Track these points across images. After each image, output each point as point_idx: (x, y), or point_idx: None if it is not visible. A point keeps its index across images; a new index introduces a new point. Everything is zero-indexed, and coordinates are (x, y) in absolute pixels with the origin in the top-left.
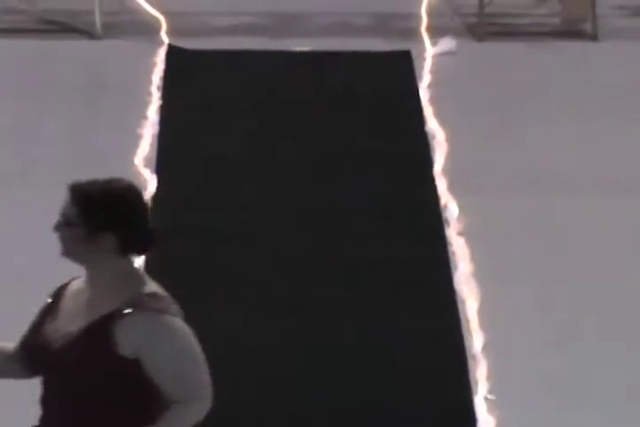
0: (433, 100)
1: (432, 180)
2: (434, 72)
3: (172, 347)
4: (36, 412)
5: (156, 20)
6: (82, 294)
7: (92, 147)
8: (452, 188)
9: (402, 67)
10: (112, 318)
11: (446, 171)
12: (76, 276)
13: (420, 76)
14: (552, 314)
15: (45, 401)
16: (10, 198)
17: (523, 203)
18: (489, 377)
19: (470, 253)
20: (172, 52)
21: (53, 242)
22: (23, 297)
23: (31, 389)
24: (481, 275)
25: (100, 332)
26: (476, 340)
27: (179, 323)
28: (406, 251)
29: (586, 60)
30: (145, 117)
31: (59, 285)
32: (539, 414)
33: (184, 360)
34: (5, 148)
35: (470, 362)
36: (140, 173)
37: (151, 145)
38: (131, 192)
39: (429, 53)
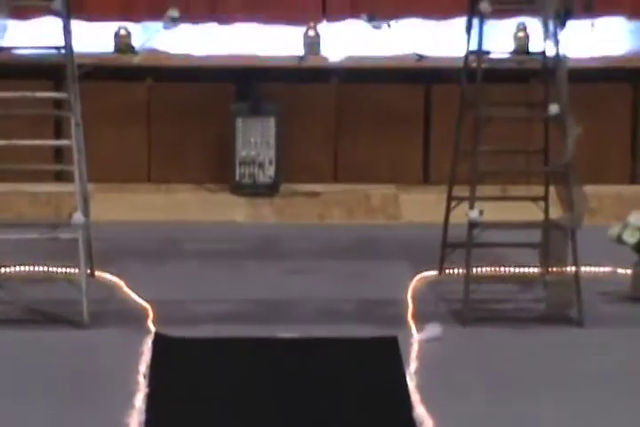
0: (420, 386)
1: None
2: (420, 358)
3: None
4: None
5: (143, 309)
6: None
7: None
8: None
9: (388, 353)
10: None
11: None
12: None
13: (407, 362)
14: None
15: None
16: None
17: None
18: None
19: None
20: (159, 341)
21: None
22: None
23: None
24: None
25: None
26: None
27: None
28: None
29: (572, 345)
30: (132, 406)
31: None
32: None
33: None
34: None
35: None
36: None
37: None
38: None
39: (416, 339)
